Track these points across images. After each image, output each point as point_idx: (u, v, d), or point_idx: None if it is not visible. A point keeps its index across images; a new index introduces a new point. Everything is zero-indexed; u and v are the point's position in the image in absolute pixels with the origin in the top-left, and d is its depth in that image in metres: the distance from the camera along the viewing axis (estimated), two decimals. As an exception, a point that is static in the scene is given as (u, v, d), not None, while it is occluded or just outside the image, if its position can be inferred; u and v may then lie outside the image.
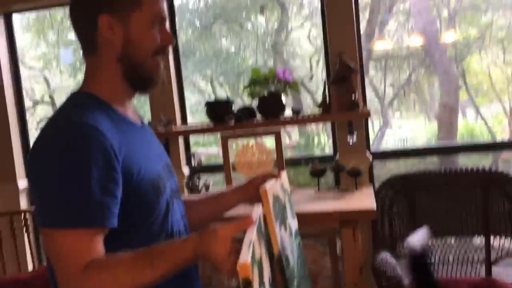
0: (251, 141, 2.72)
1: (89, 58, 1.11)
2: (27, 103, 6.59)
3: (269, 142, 2.75)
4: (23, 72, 6.41)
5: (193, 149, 3.88)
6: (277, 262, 0.97)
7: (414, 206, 2.60)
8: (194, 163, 2.76)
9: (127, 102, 1.16)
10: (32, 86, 6.75)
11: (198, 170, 2.73)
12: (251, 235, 0.83)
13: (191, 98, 6.01)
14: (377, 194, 2.62)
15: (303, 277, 1.16)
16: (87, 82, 1.12)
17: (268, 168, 2.61)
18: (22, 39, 6.29)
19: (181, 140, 2.87)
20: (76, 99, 1.10)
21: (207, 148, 4.56)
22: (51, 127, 1.03)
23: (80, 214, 0.94)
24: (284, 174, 1.28)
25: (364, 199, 2.37)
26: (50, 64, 6.63)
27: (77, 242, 0.94)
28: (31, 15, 6.09)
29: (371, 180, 2.75)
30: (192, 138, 3.98)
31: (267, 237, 0.99)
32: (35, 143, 1.01)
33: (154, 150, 1.19)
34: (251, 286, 0.71)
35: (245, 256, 0.74)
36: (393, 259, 2.29)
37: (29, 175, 1.01)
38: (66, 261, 0.94)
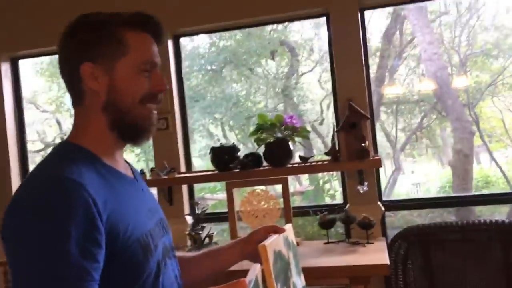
0: (258, 189, 2.62)
1: (77, 108, 1.06)
2: (39, 145, 6.62)
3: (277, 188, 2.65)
4: (36, 115, 6.47)
5: (200, 194, 3.79)
6: None
7: (430, 260, 2.45)
8: (198, 211, 2.65)
9: (117, 154, 1.08)
10: (45, 129, 6.79)
11: (202, 219, 2.62)
12: None
13: (200, 142, 5.97)
14: (390, 247, 2.48)
15: None
16: (74, 133, 1.05)
17: (273, 219, 2.49)
18: (36, 83, 6.38)
19: (184, 188, 2.78)
20: (62, 151, 1.03)
21: (213, 195, 4.46)
22: (31, 181, 0.95)
23: (56, 279, 0.84)
24: (289, 227, 1.18)
25: (376, 253, 2.23)
26: (62, 107, 6.69)
27: None
28: (46, 59, 6.18)
29: (384, 232, 2.62)
30: (199, 184, 3.91)
31: None
32: (14, 196, 0.92)
33: (146, 204, 1.10)
34: None
35: None
36: None
37: (3, 232, 0.92)
38: None
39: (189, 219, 2.72)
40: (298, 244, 2.51)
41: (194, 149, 5.34)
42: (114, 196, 0.97)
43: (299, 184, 4.92)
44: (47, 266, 0.84)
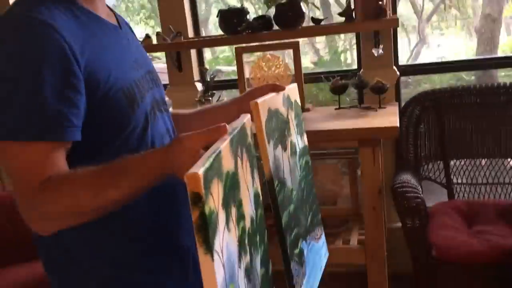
0: (268, 54, 2.53)
1: None
2: None
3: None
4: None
5: (215, 67, 3.71)
6: (268, 185, 0.84)
7: (443, 125, 2.41)
8: (207, 78, 2.60)
9: None
10: None
11: (212, 86, 2.58)
12: (220, 145, 0.68)
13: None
14: (403, 112, 2.43)
15: (305, 201, 1.03)
16: None
17: (284, 83, 2.43)
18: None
19: (193, 54, 2.69)
20: None
21: (229, 66, 4.37)
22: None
23: (30, 124, 0.81)
24: (293, 86, 1.12)
25: (387, 117, 2.18)
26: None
27: (31, 157, 0.82)
28: None
29: (398, 97, 2.54)
30: (212, 54, 3.80)
31: (258, 157, 0.85)
32: None
33: (132, 55, 1.04)
34: (201, 203, 0.58)
35: (198, 166, 0.60)
36: (415, 181, 2.14)
37: None
38: (20, 178, 0.83)
39: (199, 86, 2.68)
40: (309, 110, 2.47)
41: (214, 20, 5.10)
42: (93, 41, 0.90)
43: (317, 55, 4.76)
44: (22, 113, 0.81)
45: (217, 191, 0.63)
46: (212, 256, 0.58)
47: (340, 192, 2.64)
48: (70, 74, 0.83)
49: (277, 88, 1.03)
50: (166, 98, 2.64)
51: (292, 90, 1.10)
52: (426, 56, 6.64)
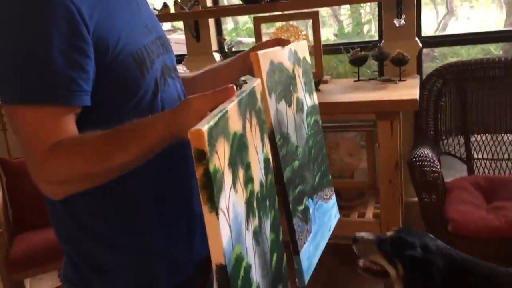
0: (287, 24, 2.48)
1: None
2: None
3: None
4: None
5: (235, 38, 3.67)
6: (269, 139, 0.83)
7: (466, 99, 2.34)
8: (225, 48, 2.58)
9: None
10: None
11: (230, 55, 2.55)
12: (227, 105, 0.68)
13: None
14: (424, 84, 2.37)
15: (313, 160, 1.01)
16: None
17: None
18: None
19: (212, 23, 2.67)
20: None
21: (250, 38, 4.32)
22: None
23: (39, 88, 0.81)
24: (302, 43, 1.09)
25: (407, 89, 2.14)
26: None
27: (40, 121, 0.82)
28: None
29: (419, 69, 2.48)
30: (234, 24, 3.74)
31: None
32: None
33: (142, 20, 1.02)
34: (206, 160, 0.57)
35: (202, 124, 0.59)
36: (433, 155, 2.10)
37: None
38: (29, 142, 0.83)
39: (217, 56, 2.66)
40: (327, 81, 2.43)
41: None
42: (102, 5, 0.88)
43: (341, 25, 4.65)
44: (30, 77, 0.81)
45: (223, 150, 0.62)
46: (217, 214, 0.58)
47: (358, 165, 2.62)
48: (78, 37, 0.82)
49: (282, 42, 1.01)
50: (184, 68, 2.66)
51: (300, 46, 1.07)
52: (454, 29, 6.42)
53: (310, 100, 1.07)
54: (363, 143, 2.60)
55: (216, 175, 0.59)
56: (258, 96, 0.81)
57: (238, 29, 3.63)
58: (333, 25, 4.97)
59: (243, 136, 0.70)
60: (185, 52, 2.74)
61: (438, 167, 2.00)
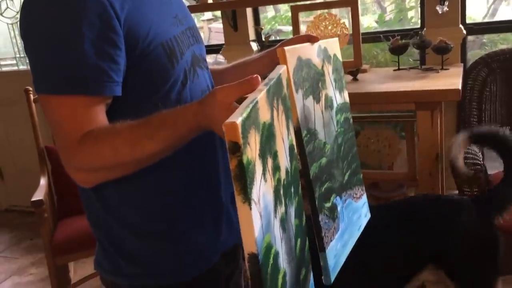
0: (325, 13, 2.44)
1: None
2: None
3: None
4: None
5: (275, 26, 3.64)
6: (295, 134, 0.82)
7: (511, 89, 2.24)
8: (263, 38, 2.57)
9: None
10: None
11: (267, 45, 2.55)
12: (256, 95, 0.68)
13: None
14: (468, 73, 2.28)
15: (343, 158, 1.00)
16: None
17: (341, 46, 2.35)
18: None
19: (249, 13, 2.66)
20: None
21: (289, 26, 4.28)
22: None
23: (70, 79, 0.84)
24: (333, 40, 1.07)
25: (449, 79, 2.06)
26: None
27: (72, 111, 0.85)
28: None
29: (463, 57, 2.39)
30: (275, 12, 3.72)
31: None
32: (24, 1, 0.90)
33: (172, 11, 1.03)
34: (240, 152, 0.58)
35: (235, 116, 0.60)
36: (475, 147, 2.02)
37: (20, 30, 0.91)
38: (62, 131, 0.86)
39: (254, 46, 2.65)
40: (365, 70, 2.38)
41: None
42: None
43: (384, 12, 4.53)
44: (63, 68, 0.84)
45: (254, 141, 0.63)
46: (250, 204, 0.59)
47: (397, 156, 2.56)
48: (110, 29, 0.84)
49: (311, 38, 0.99)
50: (221, 58, 2.67)
51: (331, 43, 1.05)
52: (505, 15, 6.11)
53: (340, 97, 1.05)
54: (403, 133, 2.54)
55: (249, 166, 0.60)
56: (284, 83, 0.81)
57: (277, 18, 3.61)
58: (377, 12, 4.84)
59: (271, 125, 0.71)
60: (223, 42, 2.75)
61: (481, 159, 1.93)
